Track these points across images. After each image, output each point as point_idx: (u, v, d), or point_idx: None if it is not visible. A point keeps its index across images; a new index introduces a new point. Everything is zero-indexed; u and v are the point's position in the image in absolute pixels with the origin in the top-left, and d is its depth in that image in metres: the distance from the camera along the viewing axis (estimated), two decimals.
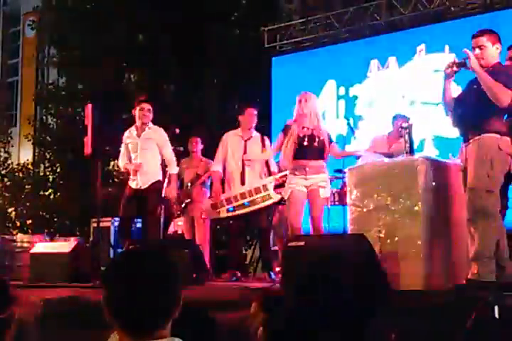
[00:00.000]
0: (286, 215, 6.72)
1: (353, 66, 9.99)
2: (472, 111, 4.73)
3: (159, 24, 12.32)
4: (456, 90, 5.05)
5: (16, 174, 15.79)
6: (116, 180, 13.11)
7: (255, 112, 7.34)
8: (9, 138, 17.71)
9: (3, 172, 16.11)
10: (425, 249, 4.78)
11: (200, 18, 12.11)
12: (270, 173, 7.21)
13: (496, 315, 3.43)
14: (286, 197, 6.35)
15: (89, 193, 12.10)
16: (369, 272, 4.46)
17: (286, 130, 6.35)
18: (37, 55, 18.07)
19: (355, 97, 10.06)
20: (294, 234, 5.92)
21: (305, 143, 6.20)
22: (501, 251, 4.59)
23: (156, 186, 7.03)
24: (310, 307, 1.43)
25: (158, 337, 1.77)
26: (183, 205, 8.18)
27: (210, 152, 7.88)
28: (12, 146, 17.67)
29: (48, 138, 14.85)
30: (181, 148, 7.75)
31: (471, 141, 4.68)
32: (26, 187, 15.22)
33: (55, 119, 14.88)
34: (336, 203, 7.04)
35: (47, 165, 15.08)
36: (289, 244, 5.15)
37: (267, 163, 7.28)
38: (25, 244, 9.41)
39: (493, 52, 4.73)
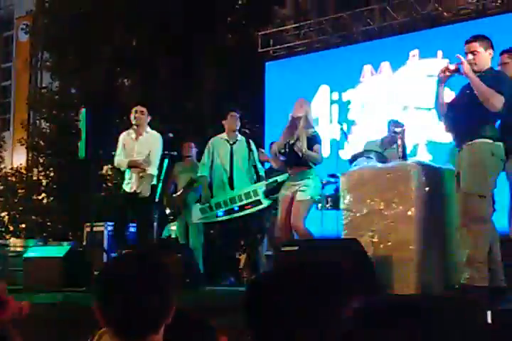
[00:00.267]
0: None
1: (346, 71, 10.02)
2: (465, 117, 4.74)
3: (153, 29, 12.33)
4: (449, 95, 5.07)
5: (9, 178, 15.75)
6: (109, 184, 13.10)
7: (237, 115, 7.39)
8: (2, 143, 17.68)
9: None
10: (418, 253, 4.79)
11: (195, 22, 12.12)
12: (258, 177, 7.24)
13: (489, 320, 3.45)
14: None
15: (82, 197, 12.10)
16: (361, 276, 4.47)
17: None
18: (30, 59, 18.05)
19: (349, 102, 10.08)
20: (282, 237, 6.01)
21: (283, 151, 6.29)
22: (494, 255, 4.61)
23: (151, 190, 7.02)
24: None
25: None
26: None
27: None
28: (5, 150, 17.64)
29: (41, 142, 14.83)
30: (175, 153, 7.75)
31: (463, 146, 4.70)
32: (19, 191, 15.19)
33: (48, 124, 14.86)
34: (330, 208, 7.06)
35: (40, 169, 15.06)
36: (282, 249, 5.16)
37: (255, 167, 7.31)
38: (18, 249, 9.39)
39: (485, 58, 4.76)
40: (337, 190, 6.72)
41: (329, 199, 7.11)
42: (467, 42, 4.79)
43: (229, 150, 7.26)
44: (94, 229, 8.35)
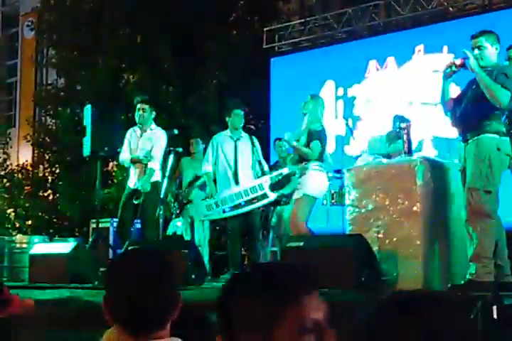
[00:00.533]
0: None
1: (352, 66, 10.00)
2: (471, 112, 4.73)
3: (158, 25, 12.32)
4: (455, 90, 5.06)
5: (15, 175, 15.78)
6: (115, 180, 13.11)
7: (242, 113, 7.37)
8: (8, 139, 17.70)
9: (2, 173, 16.09)
10: (424, 249, 4.79)
11: (199, 18, 12.11)
12: (263, 173, 7.22)
13: (495, 315, 3.44)
14: None
15: (88, 194, 12.12)
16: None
17: None
18: (36, 56, 18.05)
19: (354, 98, 10.06)
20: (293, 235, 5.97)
21: None
22: (500, 250, 4.60)
23: (154, 186, 7.03)
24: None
25: (158, 337, 1.78)
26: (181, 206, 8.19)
27: None
28: (11, 147, 17.66)
29: (47, 139, 14.84)
30: (180, 149, 7.75)
31: (469, 141, 4.68)
32: (25, 188, 15.20)
33: (54, 120, 14.87)
34: (335, 204, 7.04)
35: (46, 166, 15.07)
36: (288, 244, 5.16)
37: (259, 163, 7.30)
38: (25, 245, 9.41)
39: (492, 53, 4.74)
40: (342, 185, 6.71)
41: (334, 195, 7.10)
42: (473, 37, 4.78)
43: (233, 146, 7.26)
44: (100, 225, 8.37)
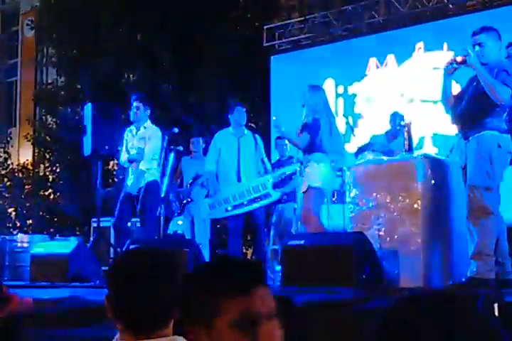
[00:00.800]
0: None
1: (352, 64, 9.99)
2: (472, 109, 4.72)
3: (158, 23, 12.31)
4: (455, 88, 5.05)
5: (16, 174, 15.79)
6: (115, 179, 13.11)
7: (244, 110, 7.32)
8: (9, 139, 17.71)
9: (2, 172, 16.11)
10: (425, 246, 4.78)
11: (199, 17, 12.10)
12: (266, 171, 7.20)
13: (496, 313, 3.43)
14: None
15: (89, 193, 12.11)
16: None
17: None
18: (36, 55, 18.04)
19: (354, 95, 10.06)
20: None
21: None
22: (502, 247, 4.59)
23: (153, 185, 7.02)
24: None
25: (160, 336, 1.78)
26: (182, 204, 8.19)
27: None
28: (11, 146, 17.67)
29: (47, 138, 14.84)
30: (180, 148, 7.74)
31: (470, 138, 4.68)
32: (26, 187, 15.23)
33: (54, 119, 14.87)
34: (336, 201, 7.03)
35: (46, 165, 15.08)
36: (289, 242, 5.16)
37: (262, 161, 7.27)
38: (26, 244, 9.40)
39: (492, 50, 4.73)
40: (343, 183, 6.69)
41: (335, 192, 7.09)
42: (474, 33, 4.76)
43: (236, 144, 7.21)
44: (101, 224, 8.36)
